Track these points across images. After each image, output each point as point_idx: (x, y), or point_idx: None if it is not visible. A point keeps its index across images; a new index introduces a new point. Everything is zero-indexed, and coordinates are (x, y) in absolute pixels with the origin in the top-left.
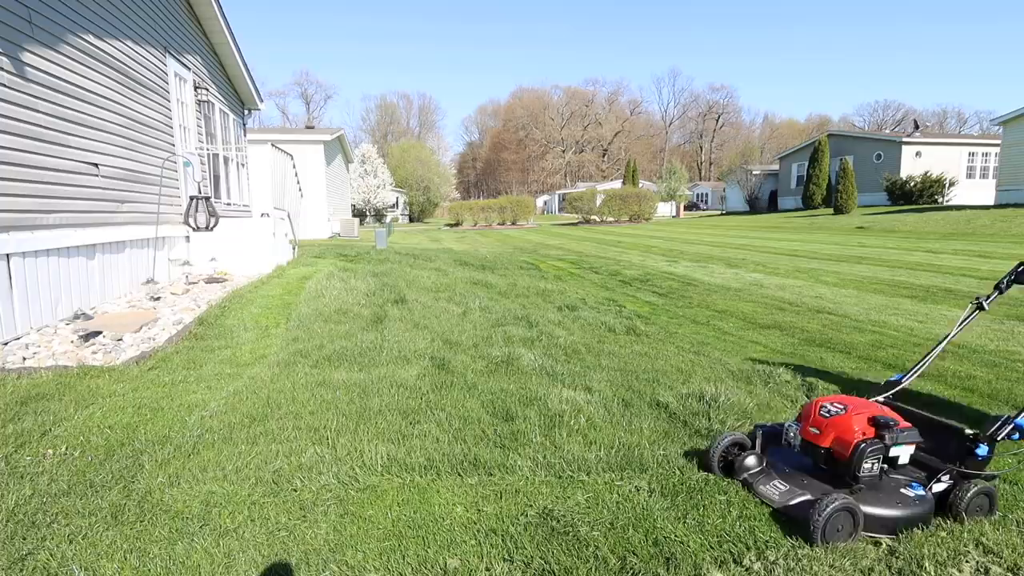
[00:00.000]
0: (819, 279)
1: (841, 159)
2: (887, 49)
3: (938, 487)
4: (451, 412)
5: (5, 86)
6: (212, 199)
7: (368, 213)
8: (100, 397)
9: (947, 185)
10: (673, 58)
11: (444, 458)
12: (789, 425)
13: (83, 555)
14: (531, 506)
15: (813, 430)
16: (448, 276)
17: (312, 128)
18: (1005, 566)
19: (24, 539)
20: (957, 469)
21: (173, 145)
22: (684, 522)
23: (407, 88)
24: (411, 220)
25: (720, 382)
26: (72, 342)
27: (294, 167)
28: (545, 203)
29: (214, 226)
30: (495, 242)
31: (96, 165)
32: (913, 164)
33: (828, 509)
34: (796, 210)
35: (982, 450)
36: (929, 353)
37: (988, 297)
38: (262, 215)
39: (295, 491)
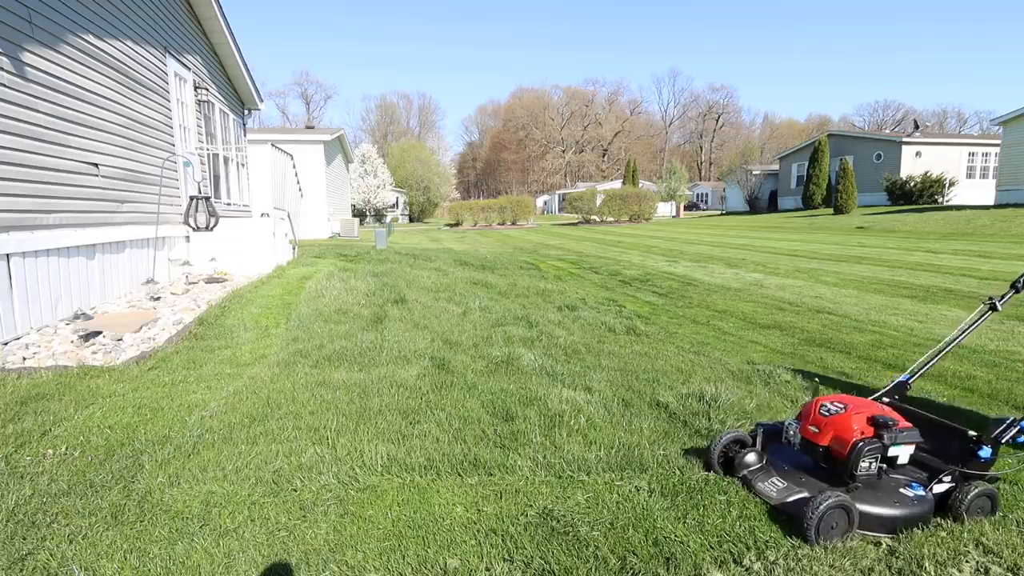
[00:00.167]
0: (819, 279)
1: (841, 159)
2: (887, 49)
3: (939, 488)
4: (451, 412)
5: (5, 86)
6: (212, 199)
7: (368, 213)
8: (100, 397)
9: (947, 185)
10: (673, 58)
11: (444, 458)
12: (789, 423)
13: (83, 555)
14: (531, 506)
15: (812, 428)
16: (448, 276)
17: (312, 128)
18: (1005, 566)
19: (24, 539)
20: (959, 470)
21: (173, 145)
22: (684, 522)
23: (407, 88)
24: (411, 220)
25: (720, 382)
26: (72, 342)
27: (294, 167)
28: (545, 203)
29: (214, 226)
30: (495, 242)
31: (96, 165)
32: (913, 164)
33: (822, 506)
34: (796, 210)
35: (986, 452)
36: (937, 354)
37: (1003, 297)
38: (262, 215)
39: (295, 491)
